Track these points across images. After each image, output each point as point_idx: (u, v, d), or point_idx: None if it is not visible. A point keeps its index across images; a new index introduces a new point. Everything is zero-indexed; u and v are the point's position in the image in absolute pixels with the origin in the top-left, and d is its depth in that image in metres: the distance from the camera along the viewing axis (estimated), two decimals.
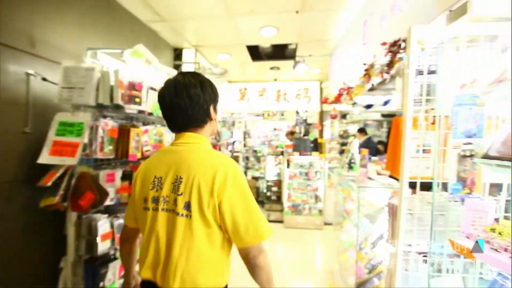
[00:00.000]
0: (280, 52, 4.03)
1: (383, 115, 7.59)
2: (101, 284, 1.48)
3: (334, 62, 3.36)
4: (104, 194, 1.50)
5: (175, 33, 3.22)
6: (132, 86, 1.62)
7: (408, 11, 1.57)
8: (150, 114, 1.85)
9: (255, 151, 7.91)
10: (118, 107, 1.61)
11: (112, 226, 1.59)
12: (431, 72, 0.99)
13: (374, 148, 5.27)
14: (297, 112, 5.80)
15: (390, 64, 1.65)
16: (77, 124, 1.47)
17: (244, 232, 0.87)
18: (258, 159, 7.55)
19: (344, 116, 6.92)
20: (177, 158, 0.90)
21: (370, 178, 2.60)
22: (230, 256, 0.96)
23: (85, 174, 1.46)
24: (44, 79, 1.62)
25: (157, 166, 0.93)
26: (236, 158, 5.72)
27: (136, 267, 1.03)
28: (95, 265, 1.49)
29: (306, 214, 5.30)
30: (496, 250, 0.74)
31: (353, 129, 7.50)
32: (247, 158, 7.95)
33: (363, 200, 2.73)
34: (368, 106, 3.61)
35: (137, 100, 1.65)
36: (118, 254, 1.65)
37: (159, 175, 0.91)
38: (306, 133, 5.97)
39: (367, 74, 2.05)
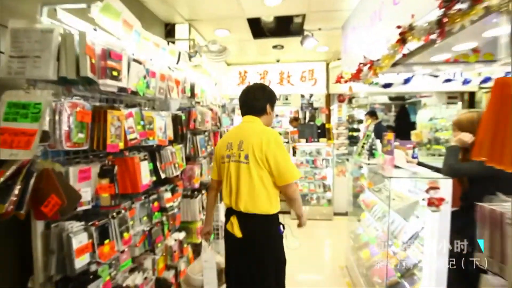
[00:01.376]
0: (285, 27, 3.59)
1: (391, 98, 7.20)
2: None
3: (347, 35, 2.94)
4: (74, 197, 1.15)
5: (166, 4, 2.79)
6: (107, 55, 1.23)
7: None
8: (135, 93, 1.47)
9: None
10: (89, 83, 1.23)
11: (91, 236, 1.25)
12: None
13: (381, 133, 4.94)
14: (302, 96, 5.40)
15: (443, 20, 1.27)
16: (33, 105, 1.09)
17: (283, 173, 1.44)
18: None
19: (350, 100, 6.52)
20: (241, 130, 1.57)
21: (397, 167, 2.27)
22: (278, 193, 1.52)
23: (48, 171, 1.11)
24: None
25: (230, 136, 1.60)
26: None
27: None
28: (70, 286, 1.16)
29: (314, 204, 5.00)
30: None
31: (358, 113, 7.13)
32: None
33: (389, 191, 2.39)
34: (387, 85, 3.23)
35: (114, 73, 1.27)
36: (100, 270, 1.31)
37: (230, 141, 1.54)
38: (313, 118, 5.59)
39: (402, 39, 1.66)
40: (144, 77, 1.52)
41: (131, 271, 1.73)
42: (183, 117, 2.23)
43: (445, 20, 1.23)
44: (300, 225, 1.69)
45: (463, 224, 1.85)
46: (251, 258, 1.52)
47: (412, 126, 6.26)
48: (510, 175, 1.87)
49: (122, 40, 1.39)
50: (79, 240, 1.20)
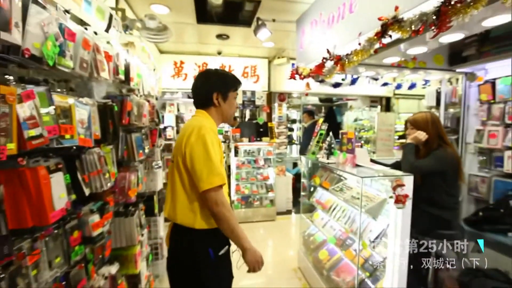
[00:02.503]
0: (234, 13, 3.24)
1: (321, 100, 7.76)
2: None
3: (304, 30, 2.81)
4: None
5: None
6: None
7: None
8: (38, 59, 0.87)
9: None
10: None
11: None
12: None
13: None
14: (244, 93, 5.15)
15: (443, 11, 1.18)
16: None
17: (198, 176, 1.16)
18: None
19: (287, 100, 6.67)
20: (184, 126, 1.33)
21: (358, 165, 2.24)
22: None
23: None
24: None
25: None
26: (169, 147, 4.72)
27: None
28: None
29: (257, 205, 4.82)
30: None
31: (291, 114, 7.42)
32: None
33: (350, 190, 2.36)
34: (337, 85, 3.28)
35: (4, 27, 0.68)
36: None
37: (178, 138, 1.31)
38: (253, 116, 5.41)
39: (382, 33, 1.57)
40: (56, 38, 0.93)
41: None
42: (115, 108, 1.62)
43: (448, 11, 1.13)
44: (247, 264, 1.23)
45: (415, 215, 1.94)
46: (173, 277, 1.36)
47: (339, 126, 6.89)
48: (454, 170, 2.08)
49: None
50: None
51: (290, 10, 2.89)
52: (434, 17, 1.22)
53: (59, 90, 1.10)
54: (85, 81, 1.50)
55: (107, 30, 1.43)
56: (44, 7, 0.85)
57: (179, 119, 6.92)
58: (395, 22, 1.45)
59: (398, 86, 3.36)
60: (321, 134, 2.82)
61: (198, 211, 1.22)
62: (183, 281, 1.31)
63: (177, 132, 6.60)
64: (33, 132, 0.84)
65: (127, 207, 1.95)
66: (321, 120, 2.93)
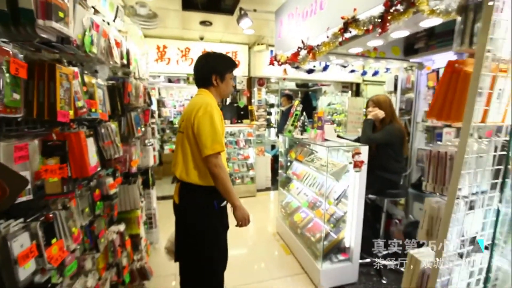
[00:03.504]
0: (217, 2, 3.45)
1: (298, 85, 8.18)
2: None
3: (282, 21, 3.12)
4: (18, 183, 0.82)
5: None
6: None
7: None
8: (78, 47, 1.12)
9: (171, 122, 7.08)
10: (22, 24, 0.86)
11: (34, 236, 0.93)
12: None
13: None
14: None
15: (386, 16, 1.56)
16: None
17: (202, 144, 1.41)
18: (174, 132, 6.81)
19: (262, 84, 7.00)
20: (189, 103, 1.61)
21: (326, 140, 2.66)
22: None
23: None
24: None
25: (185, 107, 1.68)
26: (151, 130, 4.88)
27: None
28: None
29: (239, 183, 5.21)
30: None
31: (269, 98, 7.78)
32: (162, 130, 7.06)
33: (320, 160, 2.79)
34: (310, 71, 3.65)
35: (61, 15, 0.93)
36: (54, 275, 1.00)
37: (183, 113, 1.59)
38: (234, 100, 5.68)
39: (344, 29, 1.94)
40: (89, 29, 1.18)
41: (72, 277, 1.38)
42: (120, 89, 1.86)
43: (388, 16, 1.52)
44: (236, 219, 1.53)
45: (372, 179, 2.42)
46: (182, 226, 1.63)
47: (314, 109, 7.38)
48: (400, 142, 2.58)
49: None
50: (20, 243, 0.88)
51: (270, 2, 3.17)
52: (379, 20, 1.60)
53: (88, 72, 1.34)
54: (91, 65, 1.72)
55: (114, 20, 1.65)
56: (83, 7, 1.10)
57: (160, 102, 7.01)
58: (353, 21, 1.82)
59: (364, 73, 3.82)
60: (296, 115, 3.21)
61: (203, 171, 1.48)
62: (187, 224, 1.60)
63: (159, 116, 6.73)
64: (80, 104, 1.11)
65: (128, 177, 2.21)
66: (298, 102, 3.31)
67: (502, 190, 0.98)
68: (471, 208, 1.04)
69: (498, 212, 1.05)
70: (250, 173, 5.36)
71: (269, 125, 7.24)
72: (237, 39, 5.05)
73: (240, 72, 5.46)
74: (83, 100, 1.16)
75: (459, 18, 1.01)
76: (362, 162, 2.29)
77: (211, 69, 1.56)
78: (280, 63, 2.99)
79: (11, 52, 0.83)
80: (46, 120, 0.94)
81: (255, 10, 3.24)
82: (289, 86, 8.04)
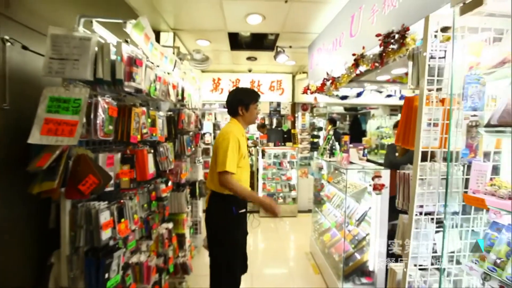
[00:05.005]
0: (259, 42, 4.05)
1: (346, 109, 8.19)
2: (106, 276, 1.37)
3: (313, 55, 3.50)
4: (107, 178, 1.38)
5: (155, 13, 3.02)
6: (133, 62, 1.50)
7: (400, 6, 1.73)
8: (147, 94, 1.73)
9: None
10: (115, 84, 1.47)
11: (112, 214, 1.47)
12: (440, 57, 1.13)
13: (338, 138, 5.74)
14: (271, 103, 5.92)
15: (383, 54, 1.81)
16: (73, 100, 1.31)
17: (218, 162, 1.76)
18: None
19: (311, 109, 7.28)
20: (221, 129, 1.97)
21: (351, 163, 2.82)
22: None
23: (85, 156, 1.32)
24: (24, 47, 1.40)
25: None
26: (206, 151, 5.60)
27: None
28: (98, 256, 1.37)
29: (281, 202, 5.47)
30: (502, 197, 0.90)
31: (318, 122, 7.95)
32: None
33: (344, 181, 2.93)
34: (344, 97, 3.86)
35: (137, 77, 1.53)
36: (120, 243, 1.53)
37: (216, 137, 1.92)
38: (279, 124, 6.12)
39: (356, 64, 2.20)
40: (154, 81, 1.79)
41: (132, 253, 1.92)
42: (175, 118, 2.49)
43: (384, 54, 1.76)
44: (267, 210, 1.79)
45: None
46: (208, 227, 1.97)
47: (363, 133, 7.24)
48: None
49: (140, 49, 1.65)
50: (104, 216, 1.42)
51: (302, 39, 3.61)
52: (379, 58, 1.85)
53: (151, 108, 1.95)
54: (155, 103, 2.39)
55: (173, 70, 2.30)
56: (151, 69, 1.71)
57: (216, 126, 7.93)
58: (361, 57, 2.09)
59: (402, 97, 3.82)
60: (328, 138, 3.43)
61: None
62: (214, 228, 1.92)
63: (214, 137, 7.63)
64: (145, 130, 1.69)
65: (179, 186, 2.79)
66: (330, 126, 3.54)
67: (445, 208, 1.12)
68: (440, 226, 1.18)
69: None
70: (292, 194, 5.57)
71: (316, 148, 7.39)
72: (281, 69, 5.59)
73: (284, 99, 5.92)
74: (147, 128, 1.74)
75: (410, 62, 1.23)
76: (382, 185, 2.39)
77: (238, 102, 1.90)
78: (311, 92, 3.32)
79: (110, 101, 1.43)
80: (124, 141, 1.52)
81: (290, 47, 3.71)
82: (337, 110, 8.11)
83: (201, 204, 3.62)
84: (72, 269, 1.37)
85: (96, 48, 1.37)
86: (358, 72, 2.33)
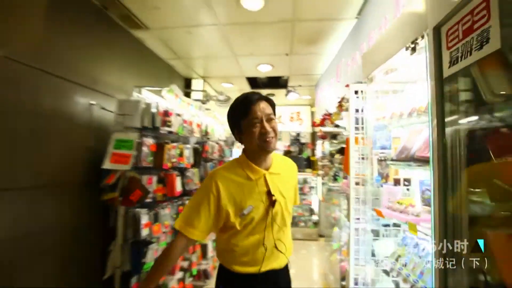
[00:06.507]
0: (275, 82, 4.75)
1: None
2: (143, 260, 1.98)
3: (318, 91, 4.06)
4: (147, 192, 2.05)
5: (187, 67, 3.92)
6: (166, 113, 2.23)
7: (358, 64, 2.25)
8: (176, 134, 2.44)
9: None
10: (155, 129, 2.20)
11: (150, 218, 2.12)
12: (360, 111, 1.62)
13: None
14: (291, 134, 6.46)
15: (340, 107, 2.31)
16: (128, 140, 2.05)
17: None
18: None
19: (334, 136, 7.62)
20: None
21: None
22: (219, 240, 1.14)
23: (135, 177, 2.02)
24: (102, 108, 2.22)
25: None
26: None
27: None
28: (139, 246, 2.00)
29: (302, 226, 5.74)
30: (406, 212, 1.32)
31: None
32: None
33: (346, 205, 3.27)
34: (336, 126, 4.29)
35: (168, 123, 2.25)
36: (153, 239, 2.16)
37: None
38: (300, 152, 6.57)
39: (340, 105, 2.70)
40: (182, 124, 2.51)
41: None
42: (200, 149, 3.19)
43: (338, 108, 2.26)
44: None
45: None
46: None
47: None
48: None
49: (173, 103, 2.40)
50: (145, 219, 2.07)
51: (310, 79, 4.21)
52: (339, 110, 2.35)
53: (181, 142, 2.66)
54: (183, 138, 3.12)
55: (198, 112, 3.05)
56: (179, 116, 2.43)
57: None
58: (342, 99, 2.60)
59: None
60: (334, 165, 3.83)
61: (218, 246, 1.17)
62: None
63: None
64: (174, 160, 2.38)
65: None
66: (337, 155, 3.92)
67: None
68: (378, 235, 1.58)
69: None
70: (313, 218, 5.83)
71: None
72: (299, 101, 6.19)
73: (304, 128, 6.43)
74: (176, 158, 2.42)
75: (345, 113, 1.72)
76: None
77: (231, 127, 1.18)
78: (316, 124, 3.83)
79: (151, 141, 2.14)
80: (159, 167, 2.20)
81: (300, 86, 4.32)
82: None
83: None
84: (123, 254, 2.01)
85: (144, 106, 2.13)
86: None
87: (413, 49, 1.00)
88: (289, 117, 6.42)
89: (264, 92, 4.93)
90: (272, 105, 1.16)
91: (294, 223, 5.79)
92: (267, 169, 1.13)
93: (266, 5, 2.20)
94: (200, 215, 1.04)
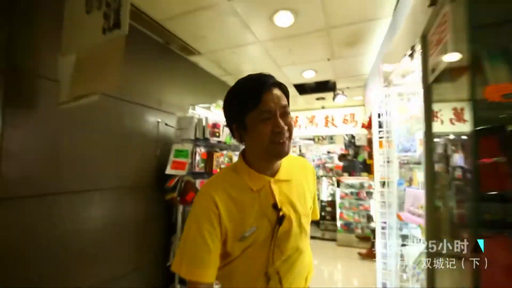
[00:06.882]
0: (323, 86, 4.75)
1: None
2: None
3: (367, 92, 3.91)
4: None
5: (231, 76, 4.31)
6: (214, 125, 2.59)
7: None
8: (224, 143, 2.78)
9: None
10: (205, 139, 2.58)
11: None
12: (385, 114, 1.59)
13: None
14: (345, 136, 6.24)
15: None
16: (184, 150, 2.47)
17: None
18: None
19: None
20: None
21: None
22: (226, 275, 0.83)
23: (189, 180, 2.42)
24: (166, 124, 2.73)
25: None
26: None
27: None
28: None
29: (358, 232, 5.48)
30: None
31: None
32: None
33: None
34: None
35: (217, 134, 2.61)
36: None
37: None
38: (356, 155, 6.29)
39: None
40: (229, 134, 2.84)
41: None
42: None
43: None
44: None
45: None
46: None
47: None
48: None
49: (220, 116, 2.75)
50: None
51: (357, 80, 4.08)
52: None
53: (229, 150, 3.00)
54: (232, 147, 3.46)
55: None
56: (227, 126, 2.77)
57: (302, 156, 8.65)
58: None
59: None
60: None
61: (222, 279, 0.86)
62: None
63: None
64: (222, 166, 2.71)
65: None
66: None
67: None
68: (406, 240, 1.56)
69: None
70: (371, 225, 5.50)
71: None
72: (353, 103, 5.95)
73: (358, 130, 6.14)
74: (225, 163, 2.76)
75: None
76: None
77: (228, 119, 0.89)
78: (365, 126, 3.70)
79: (203, 150, 2.53)
80: (210, 172, 2.56)
81: (347, 88, 4.23)
82: None
83: None
84: None
85: (196, 120, 2.53)
86: None
87: (411, 55, 1.04)
88: (342, 119, 6.23)
89: (314, 96, 4.99)
90: (287, 93, 0.86)
91: (351, 230, 5.57)
92: (273, 175, 0.84)
93: (296, 21, 2.35)
94: (208, 245, 0.74)
